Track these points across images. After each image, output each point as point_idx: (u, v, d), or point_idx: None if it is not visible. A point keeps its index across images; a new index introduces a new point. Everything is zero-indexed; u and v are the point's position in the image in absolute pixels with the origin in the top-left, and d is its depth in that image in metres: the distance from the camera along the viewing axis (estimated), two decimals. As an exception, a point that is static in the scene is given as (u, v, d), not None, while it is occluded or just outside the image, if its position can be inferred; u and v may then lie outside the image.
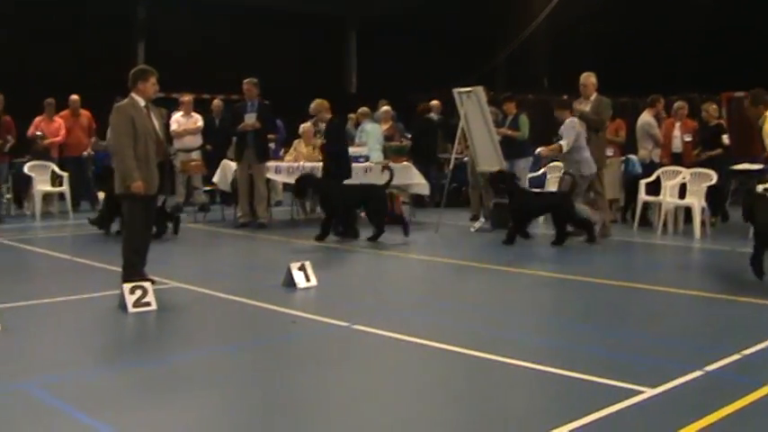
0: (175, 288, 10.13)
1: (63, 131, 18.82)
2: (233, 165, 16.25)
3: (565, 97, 15.73)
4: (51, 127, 18.86)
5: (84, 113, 19.21)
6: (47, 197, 18.34)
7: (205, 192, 18.95)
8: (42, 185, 17.88)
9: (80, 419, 5.70)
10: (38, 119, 18.91)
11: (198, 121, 19.21)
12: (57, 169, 18.09)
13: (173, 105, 19.85)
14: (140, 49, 26.09)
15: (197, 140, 19.19)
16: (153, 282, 9.48)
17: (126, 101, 9.82)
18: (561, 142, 14.30)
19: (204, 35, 26.12)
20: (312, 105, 15.42)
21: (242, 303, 9.39)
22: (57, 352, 7.60)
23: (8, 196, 18.33)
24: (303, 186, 14.49)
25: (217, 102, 20.30)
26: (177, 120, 19.12)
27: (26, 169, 17.88)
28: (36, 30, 23.61)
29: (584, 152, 14.26)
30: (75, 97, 19.09)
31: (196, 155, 18.95)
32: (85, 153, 19.16)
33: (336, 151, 14.92)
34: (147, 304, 8.89)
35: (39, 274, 11.85)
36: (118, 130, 9.75)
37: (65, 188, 18.06)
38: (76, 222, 17.04)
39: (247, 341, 8.00)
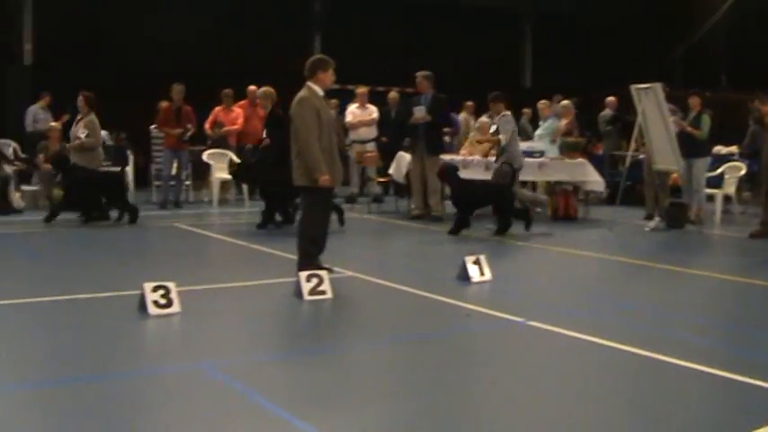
0: (350, 278, 10.21)
1: (240, 120, 19.25)
2: (408, 157, 16.27)
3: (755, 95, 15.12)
4: (229, 116, 19.34)
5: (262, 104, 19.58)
6: (224, 184, 18.79)
7: (379, 183, 19.08)
8: (220, 173, 18.32)
9: (256, 401, 5.82)
10: (217, 108, 19.44)
11: (373, 112, 19.38)
12: (234, 157, 18.50)
13: (348, 97, 20.09)
14: (317, 41, 26.48)
15: (372, 132, 19.35)
16: (330, 271, 9.59)
17: (306, 92, 9.82)
18: (500, 136, 15.17)
19: (380, 27, 26.31)
20: (259, 91, 16.12)
21: (416, 295, 9.38)
22: (233, 335, 7.80)
23: (188, 183, 18.90)
24: (242, 174, 14.65)
25: (393, 94, 20.46)
26: (352, 111, 19.34)
27: (205, 157, 18.39)
28: (215, 22, 24.16)
29: (516, 145, 15.27)
30: (252, 88, 19.45)
31: (371, 146, 19.11)
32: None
33: (280, 140, 15.04)
34: (323, 293, 9.00)
35: (216, 259, 12.14)
36: (305, 123, 9.67)
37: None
38: (251, 210, 17.41)
39: (421, 333, 8.00)
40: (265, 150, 15.36)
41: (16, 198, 17.08)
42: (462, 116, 21.83)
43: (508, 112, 15.20)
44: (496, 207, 14.41)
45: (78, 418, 5.55)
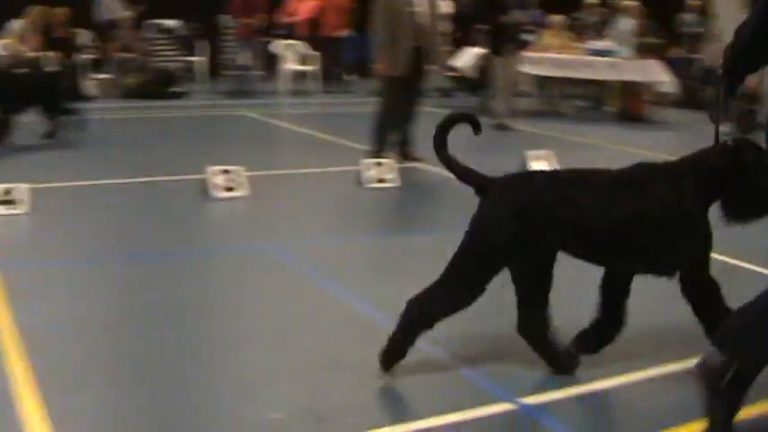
0: (414, 168, 10.28)
1: (311, 10, 19.02)
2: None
3: None
4: (303, 6, 19.16)
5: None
6: (296, 75, 18.70)
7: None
8: (291, 63, 18.30)
9: (319, 282, 6.00)
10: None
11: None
12: (305, 49, 18.44)
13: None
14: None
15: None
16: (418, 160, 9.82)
17: None
18: None
19: None
20: None
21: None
22: (297, 219, 7.98)
23: (258, 73, 18.91)
24: None
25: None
26: None
27: (276, 47, 18.38)
28: None
29: None
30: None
31: None
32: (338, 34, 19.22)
33: None
34: (388, 180, 9.12)
35: (283, 147, 12.28)
36: (375, 11, 10.12)
37: (313, 67, 18.40)
38: (322, 101, 17.46)
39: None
40: None
41: (90, 85, 17.29)
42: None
43: None
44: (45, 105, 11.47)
45: (144, 292, 5.81)
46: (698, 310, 4.31)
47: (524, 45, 15.05)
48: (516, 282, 4.48)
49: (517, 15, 14.76)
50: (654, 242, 4.22)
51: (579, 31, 18.89)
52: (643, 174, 4.28)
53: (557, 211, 4.19)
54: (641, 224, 4.17)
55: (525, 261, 4.41)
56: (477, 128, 4.48)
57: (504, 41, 14.72)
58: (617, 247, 4.28)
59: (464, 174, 4.41)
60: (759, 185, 4.16)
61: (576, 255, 4.40)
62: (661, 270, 4.35)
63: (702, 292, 4.29)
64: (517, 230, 4.22)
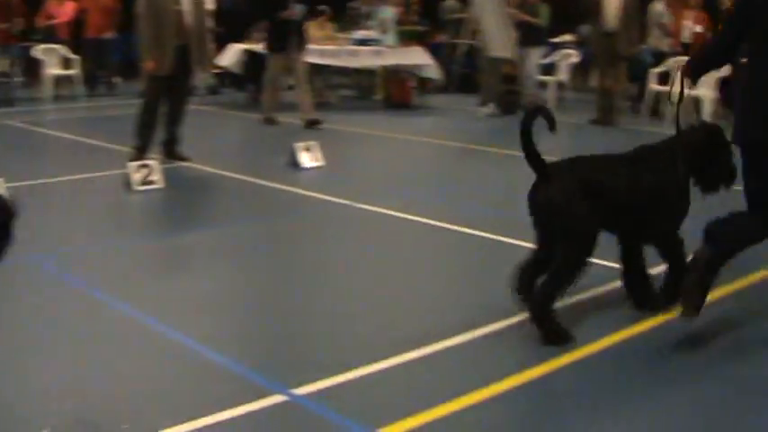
0: (182, 167, 10.27)
1: (69, 11, 18.53)
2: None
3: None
4: (61, 9, 18.66)
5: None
6: (59, 80, 18.20)
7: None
8: (53, 68, 17.81)
9: (89, 291, 5.90)
10: (49, 1, 18.71)
11: None
12: (67, 52, 17.96)
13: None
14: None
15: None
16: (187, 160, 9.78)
17: None
18: None
19: None
20: None
21: (247, 182, 9.55)
22: (65, 228, 7.78)
23: (19, 79, 18.31)
24: None
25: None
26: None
27: (36, 52, 17.83)
28: None
29: None
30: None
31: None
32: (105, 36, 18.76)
33: None
34: (154, 182, 9.04)
35: (47, 154, 11.97)
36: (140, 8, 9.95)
37: (75, 71, 17.94)
38: (87, 105, 17.10)
39: (253, 218, 8.17)
40: None
41: None
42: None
43: None
44: None
45: None
46: (673, 264, 5.26)
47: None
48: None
49: (297, 9, 14.68)
50: (658, 206, 5.13)
51: (354, 21, 19.18)
52: (648, 152, 5.26)
53: (609, 185, 5.00)
54: (653, 192, 5.08)
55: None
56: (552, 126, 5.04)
57: (288, 37, 14.62)
58: (639, 214, 5.14)
59: (536, 160, 5.08)
60: (725, 160, 5.16)
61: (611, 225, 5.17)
62: (657, 232, 5.27)
63: (680, 249, 5.26)
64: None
